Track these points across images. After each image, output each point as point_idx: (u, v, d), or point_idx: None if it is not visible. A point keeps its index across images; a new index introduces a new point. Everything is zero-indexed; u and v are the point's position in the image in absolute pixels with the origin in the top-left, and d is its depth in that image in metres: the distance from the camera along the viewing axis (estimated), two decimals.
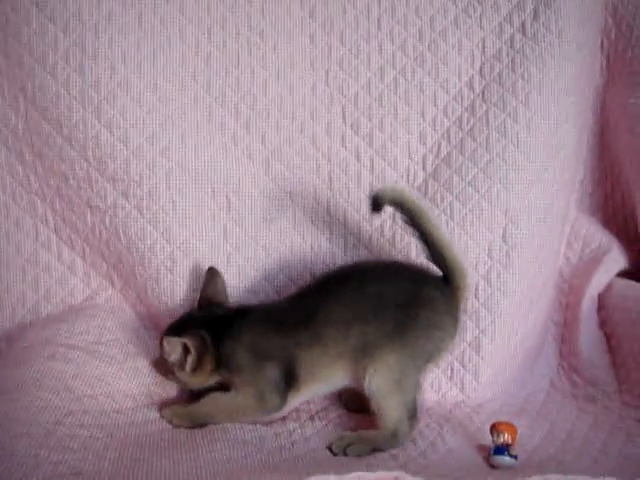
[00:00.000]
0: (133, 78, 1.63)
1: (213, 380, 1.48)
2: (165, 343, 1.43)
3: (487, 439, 1.43)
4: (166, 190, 1.63)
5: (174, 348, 1.43)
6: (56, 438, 1.31)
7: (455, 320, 1.47)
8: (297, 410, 1.54)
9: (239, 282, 1.66)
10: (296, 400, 1.48)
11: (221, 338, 1.46)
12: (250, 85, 1.69)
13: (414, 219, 1.46)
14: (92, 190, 1.64)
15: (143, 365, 1.58)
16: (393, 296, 1.43)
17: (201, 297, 1.56)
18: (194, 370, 1.45)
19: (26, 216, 1.71)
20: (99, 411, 1.45)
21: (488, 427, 1.44)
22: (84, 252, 1.71)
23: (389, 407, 1.42)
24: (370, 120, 1.70)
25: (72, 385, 1.46)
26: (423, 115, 1.70)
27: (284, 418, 1.51)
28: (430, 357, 1.46)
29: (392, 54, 1.71)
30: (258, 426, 1.45)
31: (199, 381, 1.48)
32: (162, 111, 1.64)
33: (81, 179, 1.64)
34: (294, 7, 1.71)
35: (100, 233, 1.66)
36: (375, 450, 1.39)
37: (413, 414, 1.44)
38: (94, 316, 1.66)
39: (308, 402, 1.56)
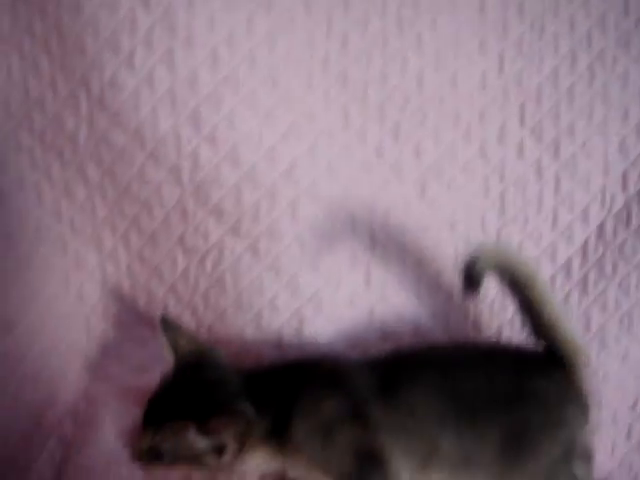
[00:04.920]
0: (242, 71, 1.16)
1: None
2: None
3: None
4: (291, 225, 1.19)
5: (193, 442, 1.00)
6: None
7: (580, 404, 1.09)
8: None
9: (382, 334, 1.25)
10: None
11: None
12: (400, 78, 1.23)
13: (518, 286, 1.09)
14: (187, 224, 1.21)
15: None
16: (490, 395, 1.07)
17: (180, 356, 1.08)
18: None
19: (89, 253, 1.27)
20: None
21: None
22: (167, 305, 1.27)
23: None
24: (556, 123, 1.27)
25: None
26: (626, 116, 1.28)
27: None
28: (568, 454, 1.07)
29: (587, 32, 1.27)
30: None
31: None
32: (283, 117, 1.19)
33: (172, 209, 1.20)
34: None
35: (196, 281, 1.24)
36: None
37: None
38: None
39: None
